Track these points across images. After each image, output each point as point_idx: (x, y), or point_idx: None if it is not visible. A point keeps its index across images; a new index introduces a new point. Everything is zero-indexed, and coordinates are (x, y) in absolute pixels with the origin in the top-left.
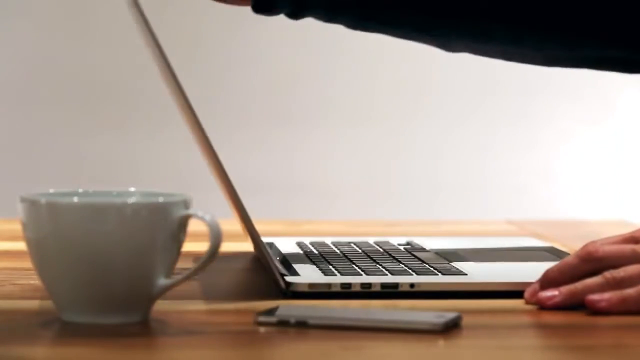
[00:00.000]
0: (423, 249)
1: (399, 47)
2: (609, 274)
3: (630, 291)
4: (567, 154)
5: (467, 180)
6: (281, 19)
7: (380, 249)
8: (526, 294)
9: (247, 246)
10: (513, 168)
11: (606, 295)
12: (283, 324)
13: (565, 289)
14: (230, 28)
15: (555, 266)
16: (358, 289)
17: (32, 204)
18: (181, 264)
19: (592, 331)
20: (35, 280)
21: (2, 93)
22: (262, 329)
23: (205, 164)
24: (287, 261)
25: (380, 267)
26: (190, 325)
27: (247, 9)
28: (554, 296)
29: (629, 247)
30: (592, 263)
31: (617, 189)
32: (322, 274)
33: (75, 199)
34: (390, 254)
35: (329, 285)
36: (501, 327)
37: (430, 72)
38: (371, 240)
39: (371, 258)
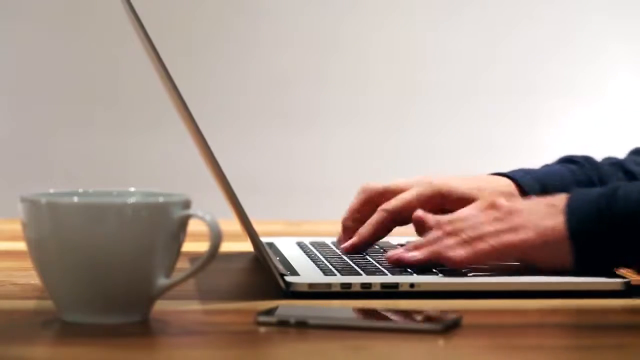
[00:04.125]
0: None
1: (397, 46)
2: (464, 234)
3: (482, 245)
4: (565, 152)
5: None
6: (279, 18)
7: (380, 249)
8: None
9: (247, 246)
10: (509, 166)
11: (461, 252)
12: (283, 324)
13: (426, 249)
14: (227, 29)
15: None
16: (358, 289)
17: (32, 204)
18: (181, 264)
19: (592, 331)
20: (35, 280)
21: (2, 93)
22: (262, 329)
23: (205, 164)
24: (287, 261)
25: (380, 267)
26: (190, 325)
27: (244, 8)
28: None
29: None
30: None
31: None
32: (322, 274)
33: (75, 199)
34: None
35: (329, 285)
36: (501, 327)
37: (427, 71)
38: None
39: (371, 258)
